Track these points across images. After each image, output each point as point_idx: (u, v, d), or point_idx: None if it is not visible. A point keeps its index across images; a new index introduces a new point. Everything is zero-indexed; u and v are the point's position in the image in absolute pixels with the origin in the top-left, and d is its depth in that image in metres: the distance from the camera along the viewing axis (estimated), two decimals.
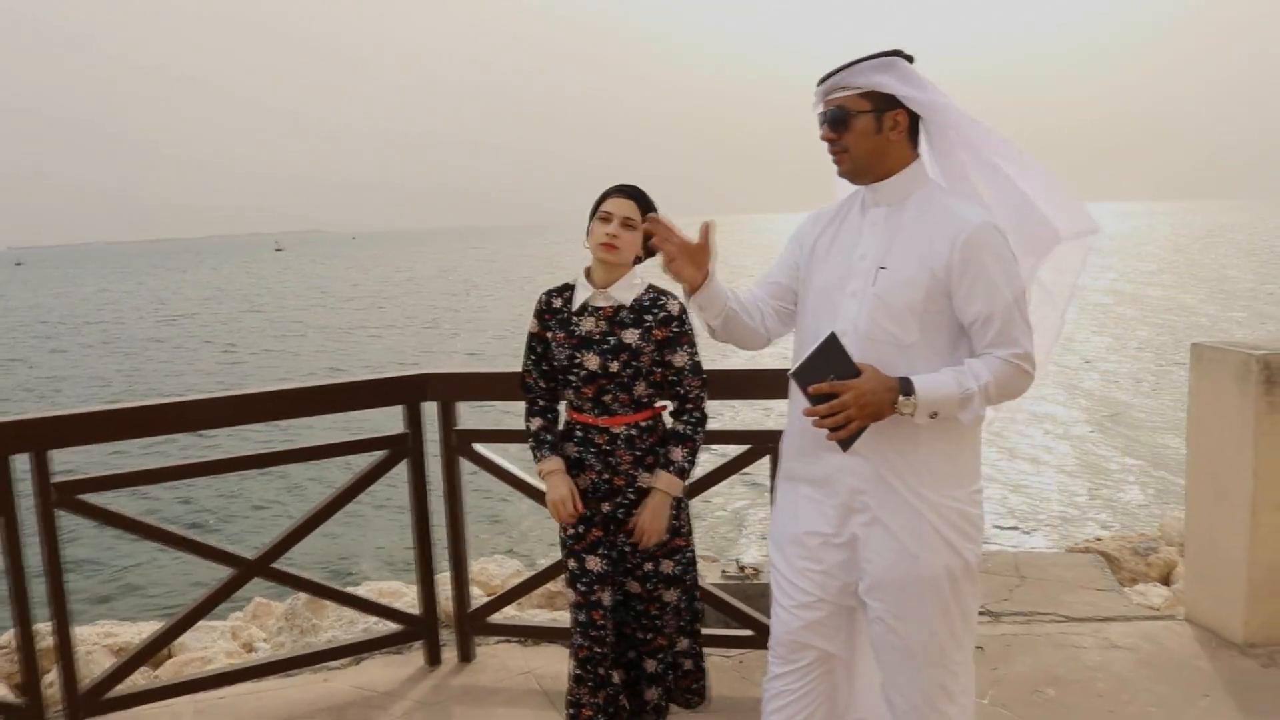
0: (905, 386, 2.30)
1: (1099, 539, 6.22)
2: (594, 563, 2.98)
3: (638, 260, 2.98)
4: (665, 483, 2.95)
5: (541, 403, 3.10)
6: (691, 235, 2.55)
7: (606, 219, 2.90)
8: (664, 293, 2.98)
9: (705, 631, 3.32)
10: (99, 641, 4.73)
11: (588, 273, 3.00)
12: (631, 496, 2.98)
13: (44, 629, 3.68)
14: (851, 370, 2.31)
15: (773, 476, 3.49)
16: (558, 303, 3.03)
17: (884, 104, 2.41)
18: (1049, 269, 2.57)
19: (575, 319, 2.97)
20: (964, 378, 2.31)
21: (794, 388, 2.54)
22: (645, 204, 2.91)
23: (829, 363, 2.33)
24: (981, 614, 4.30)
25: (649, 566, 3.01)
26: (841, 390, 2.29)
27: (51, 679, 3.74)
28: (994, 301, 2.33)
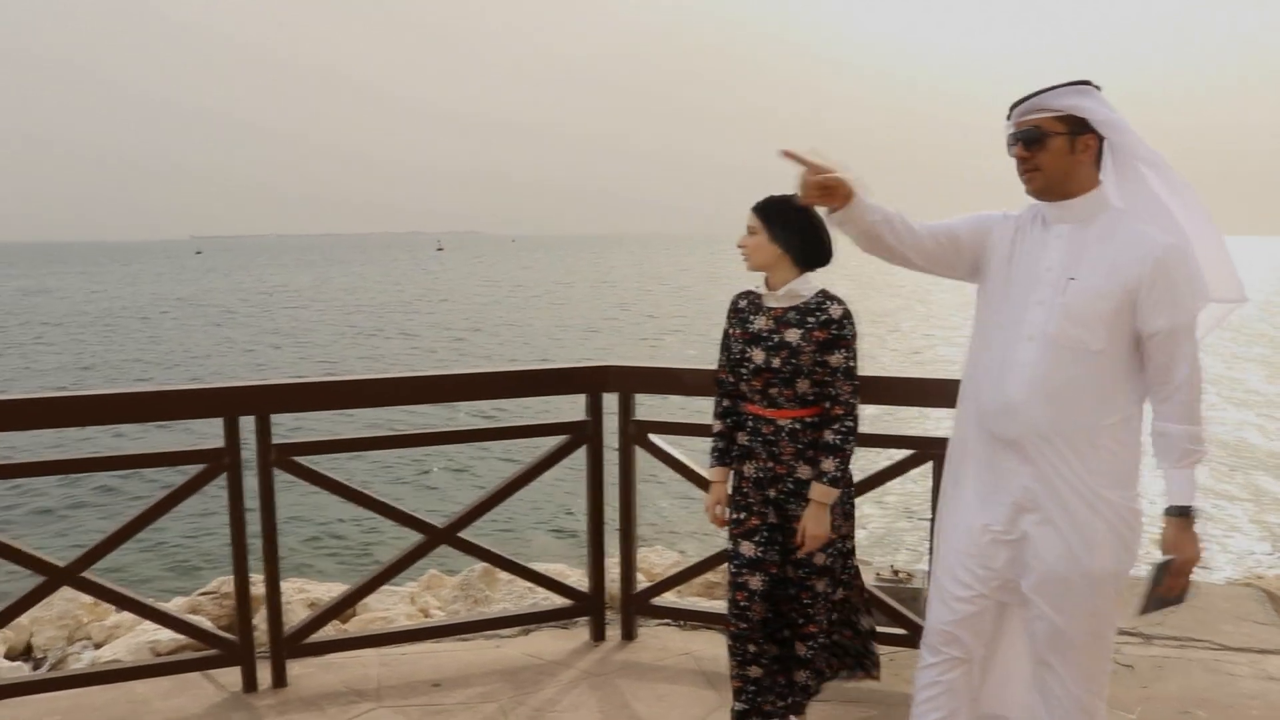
0: (1183, 511, 2.53)
1: (1260, 576, 6.10)
2: (747, 548, 3.24)
3: (805, 265, 3.19)
4: (819, 493, 3.15)
5: (726, 402, 3.36)
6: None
7: None
8: (831, 298, 3.18)
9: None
10: (293, 596, 5.14)
11: (766, 278, 3.24)
12: (791, 485, 3.19)
13: (253, 577, 4.07)
14: (1165, 568, 2.57)
15: (935, 482, 3.63)
16: (742, 303, 3.31)
17: (1077, 127, 2.57)
18: None
19: (751, 317, 3.24)
20: (1190, 452, 2.53)
21: (965, 394, 2.78)
22: (765, 211, 3.16)
23: (1153, 581, 2.61)
24: (1133, 635, 4.34)
25: (803, 555, 3.22)
26: (1179, 576, 2.56)
27: (257, 622, 4.11)
28: (1177, 318, 2.49)
